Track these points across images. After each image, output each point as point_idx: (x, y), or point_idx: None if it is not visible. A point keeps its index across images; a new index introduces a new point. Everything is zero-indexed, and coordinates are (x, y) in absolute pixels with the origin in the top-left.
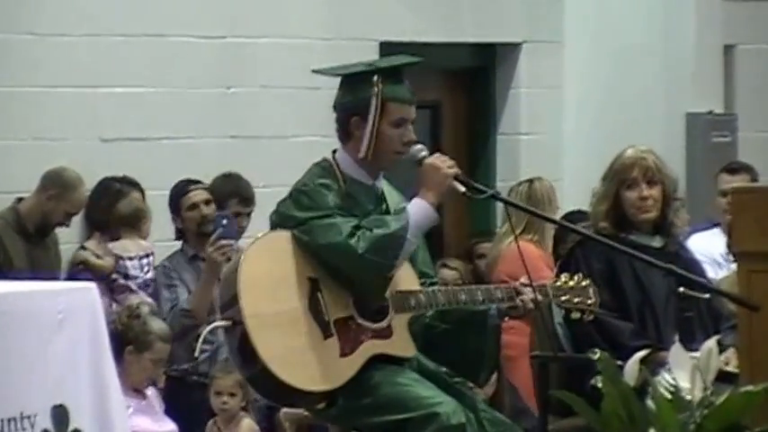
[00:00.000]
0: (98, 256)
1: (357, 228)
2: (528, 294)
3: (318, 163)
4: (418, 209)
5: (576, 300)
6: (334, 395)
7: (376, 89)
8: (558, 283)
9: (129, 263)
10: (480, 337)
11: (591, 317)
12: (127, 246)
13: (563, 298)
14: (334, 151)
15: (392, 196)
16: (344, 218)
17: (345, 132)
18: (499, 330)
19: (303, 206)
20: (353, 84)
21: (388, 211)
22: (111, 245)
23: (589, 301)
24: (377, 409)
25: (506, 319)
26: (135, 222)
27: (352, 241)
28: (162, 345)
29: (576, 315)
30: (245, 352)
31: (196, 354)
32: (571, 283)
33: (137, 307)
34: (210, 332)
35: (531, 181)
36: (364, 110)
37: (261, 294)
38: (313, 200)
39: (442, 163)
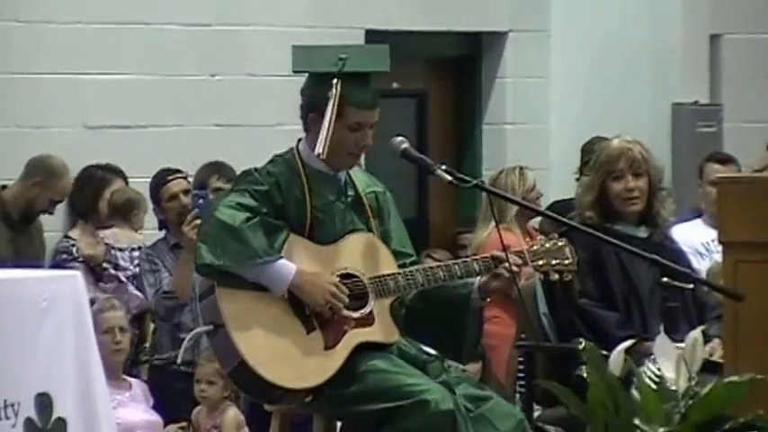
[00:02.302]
0: (89, 245)
1: (250, 211)
2: (509, 261)
3: (281, 154)
4: (286, 269)
5: (553, 261)
6: (319, 387)
7: (334, 92)
8: (535, 248)
9: (119, 253)
10: (462, 317)
11: (569, 277)
12: (118, 236)
13: (540, 262)
14: (300, 140)
15: (361, 179)
16: (253, 202)
17: (305, 124)
18: (481, 312)
19: (239, 181)
20: (316, 79)
21: (357, 199)
22: (102, 233)
23: (566, 261)
24: (365, 398)
25: (488, 300)
26: (126, 213)
27: (229, 213)
28: (102, 315)
29: (554, 277)
30: (228, 352)
31: (179, 360)
32: (547, 245)
33: None
34: (194, 322)
35: (501, 171)
36: (321, 107)
37: (240, 293)
38: (248, 179)
39: (332, 296)
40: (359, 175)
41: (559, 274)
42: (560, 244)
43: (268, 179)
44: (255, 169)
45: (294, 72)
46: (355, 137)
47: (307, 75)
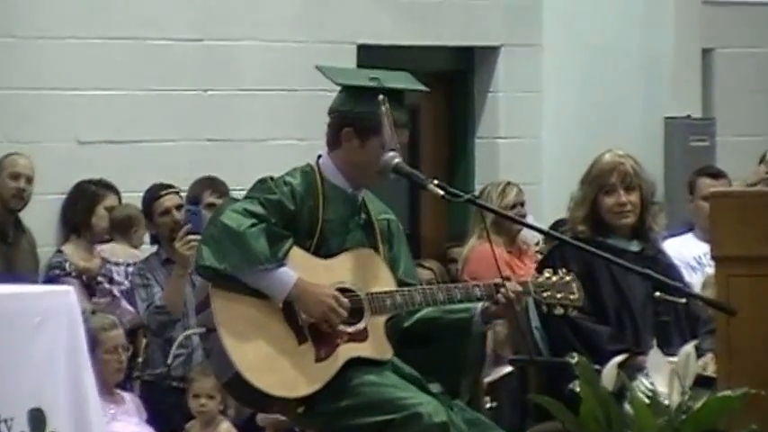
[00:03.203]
0: (83, 260)
1: (256, 218)
2: (508, 288)
3: (300, 167)
4: (286, 277)
5: (558, 295)
6: (312, 400)
7: (384, 109)
8: (540, 280)
9: (114, 268)
10: (462, 346)
11: (575, 312)
12: (116, 250)
13: (545, 294)
14: (320, 156)
15: (374, 205)
16: (262, 210)
17: (335, 139)
18: (484, 338)
19: (253, 188)
20: (356, 96)
21: (369, 221)
22: (100, 247)
23: (572, 296)
24: (358, 411)
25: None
26: (126, 229)
27: (234, 218)
28: (107, 333)
29: (559, 311)
30: (220, 359)
31: (169, 360)
32: (554, 279)
33: None
34: (185, 337)
35: (487, 186)
36: (358, 123)
37: (234, 300)
38: (262, 186)
39: (330, 310)
40: (372, 202)
41: (564, 309)
42: (567, 279)
43: (282, 188)
44: (272, 178)
45: (338, 85)
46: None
47: (340, 91)
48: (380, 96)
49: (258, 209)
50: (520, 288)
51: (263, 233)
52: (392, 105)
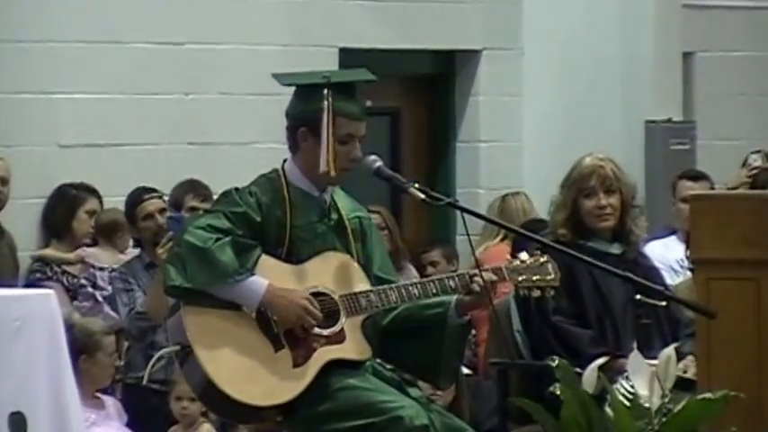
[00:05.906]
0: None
1: (221, 233)
2: (483, 277)
3: (266, 173)
4: (256, 286)
5: (534, 278)
6: (292, 405)
7: (326, 103)
8: (515, 264)
9: (98, 273)
10: (440, 340)
11: (552, 293)
12: (99, 255)
13: (520, 278)
14: (285, 161)
15: (345, 203)
16: (227, 223)
17: (293, 142)
18: (462, 330)
19: (217, 201)
20: (304, 94)
21: (340, 222)
22: (84, 251)
23: (548, 277)
24: (338, 416)
25: (467, 317)
26: (111, 234)
27: (199, 235)
28: (108, 338)
29: (536, 293)
30: (197, 374)
31: (144, 381)
32: (528, 262)
33: (68, 318)
34: (168, 342)
35: (505, 196)
36: (311, 122)
37: (206, 314)
38: (226, 199)
39: (305, 311)
40: (343, 200)
41: (541, 291)
42: (542, 260)
43: (247, 199)
44: (237, 189)
45: (284, 85)
46: (345, 150)
47: (292, 94)
48: (324, 91)
49: (223, 223)
50: (494, 277)
51: (228, 246)
52: (343, 98)
